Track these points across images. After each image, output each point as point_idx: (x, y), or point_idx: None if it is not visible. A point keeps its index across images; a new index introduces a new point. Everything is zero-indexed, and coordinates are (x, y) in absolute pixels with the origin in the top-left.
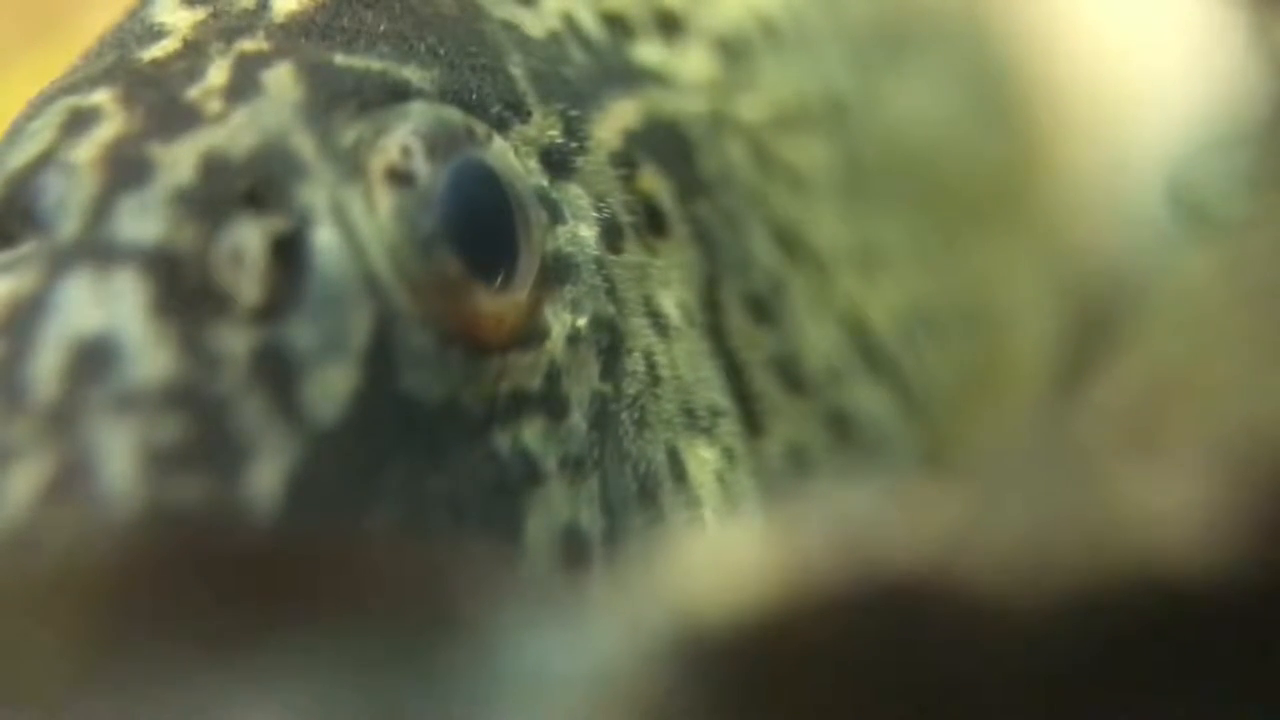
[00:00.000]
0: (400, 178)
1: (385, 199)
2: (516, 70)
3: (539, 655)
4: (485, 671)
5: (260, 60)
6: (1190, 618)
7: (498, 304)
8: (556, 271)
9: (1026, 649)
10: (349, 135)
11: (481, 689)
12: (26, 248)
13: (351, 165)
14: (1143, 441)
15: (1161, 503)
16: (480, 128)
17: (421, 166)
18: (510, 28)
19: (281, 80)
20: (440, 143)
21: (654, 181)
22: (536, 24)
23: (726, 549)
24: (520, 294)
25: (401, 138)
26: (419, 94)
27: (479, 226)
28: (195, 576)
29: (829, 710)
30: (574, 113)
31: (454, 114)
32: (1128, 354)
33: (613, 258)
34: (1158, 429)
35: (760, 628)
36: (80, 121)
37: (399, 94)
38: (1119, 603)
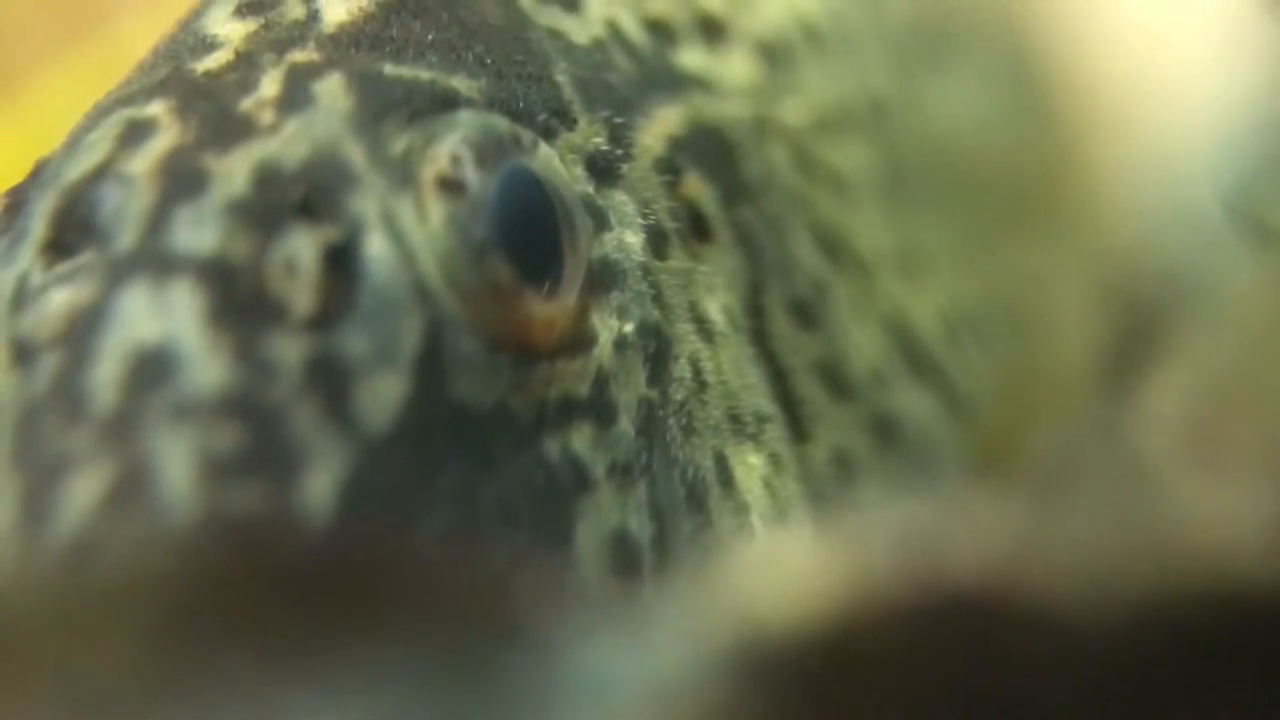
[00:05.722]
0: (451, 186)
1: (436, 207)
2: (562, 78)
3: (601, 665)
4: (547, 681)
5: (311, 71)
6: (1258, 630)
7: (547, 310)
8: (603, 278)
9: (1093, 661)
10: (399, 144)
11: (543, 699)
12: (85, 258)
13: (401, 174)
14: (1205, 452)
15: (1227, 514)
16: (526, 135)
17: (471, 175)
18: (556, 36)
19: (332, 91)
20: (489, 151)
21: (698, 187)
22: (581, 31)
23: (788, 558)
24: (568, 299)
25: (451, 146)
26: (467, 103)
27: (527, 233)
28: (254, 585)
29: None
30: (619, 120)
31: (501, 122)
32: (1181, 360)
33: (658, 264)
34: (1219, 439)
35: (824, 638)
36: (136, 133)
37: (448, 103)
38: (1186, 615)
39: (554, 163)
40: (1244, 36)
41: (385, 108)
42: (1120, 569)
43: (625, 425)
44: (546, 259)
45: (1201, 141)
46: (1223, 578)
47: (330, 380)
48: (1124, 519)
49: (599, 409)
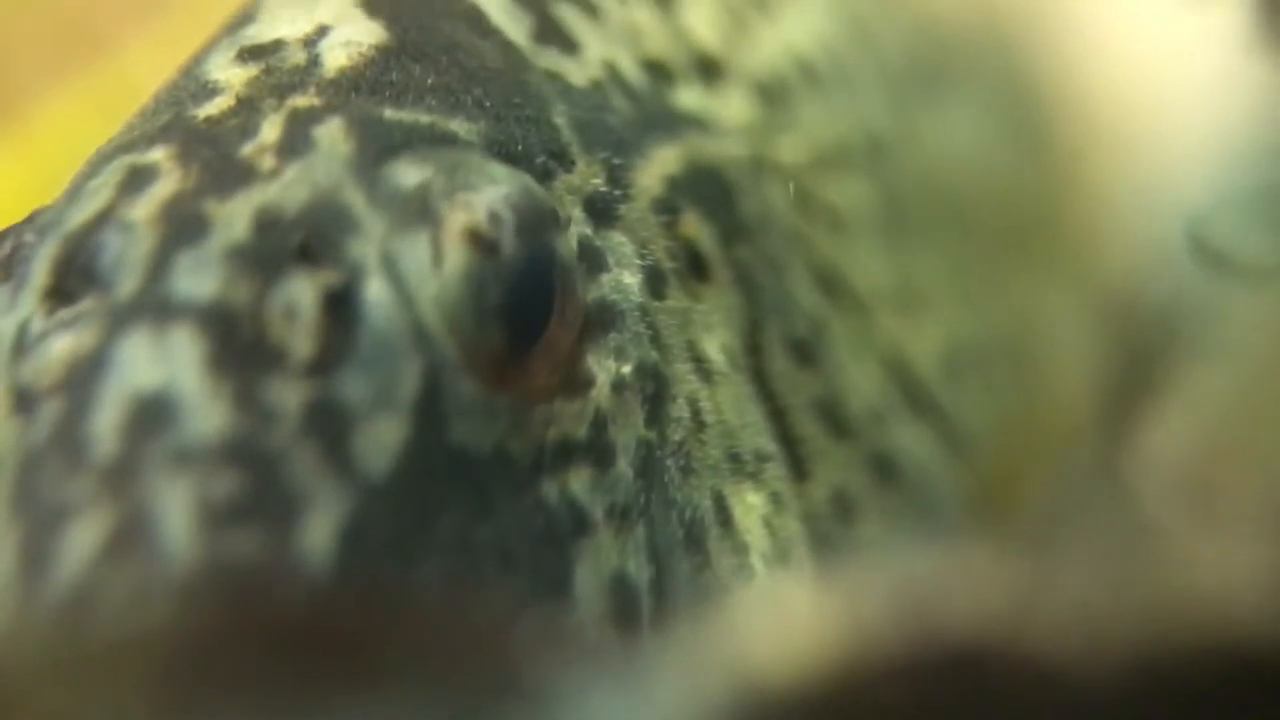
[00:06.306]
0: (483, 243)
1: (458, 255)
2: (560, 120)
3: (600, 715)
4: None
5: (311, 116)
6: (1257, 686)
7: (543, 357)
8: (601, 320)
9: (1091, 715)
10: (408, 180)
11: None
12: (86, 305)
13: (404, 214)
14: (1202, 500)
15: (1224, 568)
16: (563, 214)
17: (509, 239)
18: (554, 78)
19: (332, 135)
20: (531, 222)
21: (696, 227)
22: (579, 73)
23: (787, 609)
24: (565, 343)
25: (492, 202)
26: (465, 146)
27: (530, 308)
28: (254, 636)
29: None
30: (617, 161)
31: (542, 192)
32: (1175, 402)
33: (656, 304)
34: (1215, 492)
35: (822, 692)
36: (137, 179)
37: (446, 146)
38: (1184, 670)
39: (571, 243)
40: (1234, 72)
41: (385, 152)
42: (1118, 622)
43: (624, 467)
44: (546, 305)
45: (1192, 175)
46: (1221, 630)
47: (329, 425)
48: (1122, 570)
49: (597, 451)
